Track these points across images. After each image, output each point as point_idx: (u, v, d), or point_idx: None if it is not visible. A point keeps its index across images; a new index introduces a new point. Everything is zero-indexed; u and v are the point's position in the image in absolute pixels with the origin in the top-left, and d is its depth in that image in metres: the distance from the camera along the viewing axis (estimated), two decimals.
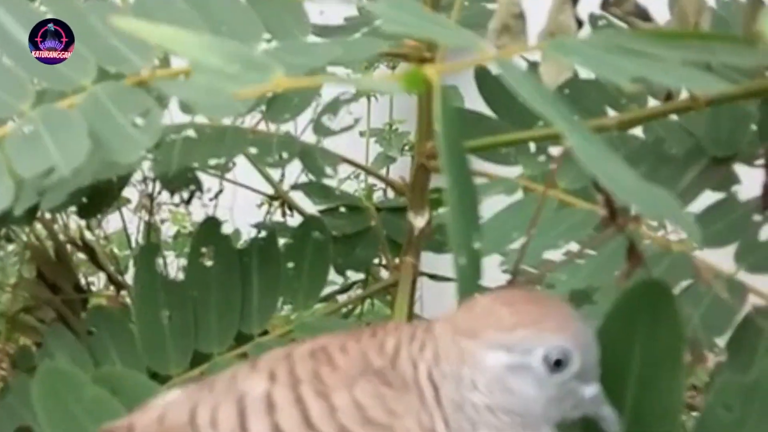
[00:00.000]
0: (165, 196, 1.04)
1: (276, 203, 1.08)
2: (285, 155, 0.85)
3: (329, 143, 0.94)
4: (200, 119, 0.88)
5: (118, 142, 0.53)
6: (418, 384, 0.46)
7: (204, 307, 0.84)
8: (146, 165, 0.95)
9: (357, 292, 1.08)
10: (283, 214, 1.08)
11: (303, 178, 1.03)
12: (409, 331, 0.48)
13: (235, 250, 0.87)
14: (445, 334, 0.47)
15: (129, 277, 1.06)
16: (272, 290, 0.85)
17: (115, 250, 1.19)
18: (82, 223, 1.13)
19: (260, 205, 1.16)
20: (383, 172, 1.35)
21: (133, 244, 1.12)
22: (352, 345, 0.48)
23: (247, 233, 1.01)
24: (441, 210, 0.82)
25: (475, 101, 0.89)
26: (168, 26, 0.47)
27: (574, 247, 0.73)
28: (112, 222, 1.21)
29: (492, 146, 0.82)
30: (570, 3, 0.61)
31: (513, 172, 0.84)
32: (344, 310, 1.02)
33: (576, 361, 0.46)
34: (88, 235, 1.15)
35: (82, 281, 1.03)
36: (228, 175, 1.08)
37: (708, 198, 0.78)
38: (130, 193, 1.14)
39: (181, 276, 0.89)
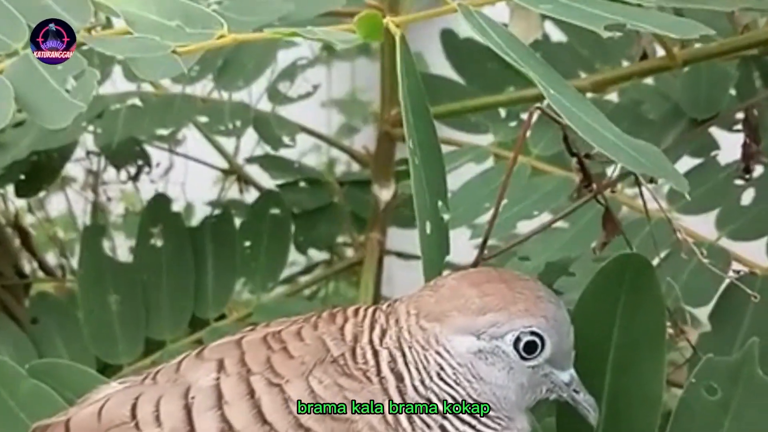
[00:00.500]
0: (112, 173, 0.99)
1: (231, 178, 1.04)
2: (238, 124, 0.82)
3: (288, 115, 0.91)
4: (147, 87, 0.84)
5: (49, 106, 0.50)
6: (380, 373, 0.43)
7: (155, 291, 0.80)
8: (90, 140, 0.91)
9: (321, 272, 1.04)
10: (240, 190, 1.03)
11: (259, 151, 0.99)
12: (370, 315, 0.45)
13: (187, 229, 0.83)
14: (409, 317, 0.44)
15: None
16: (228, 271, 0.81)
17: (60, 234, 1.13)
18: (24, 204, 1.08)
19: (216, 183, 1.11)
20: (346, 144, 1.30)
21: (80, 227, 1.06)
22: (308, 331, 0.45)
23: (203, 212, 0.97)
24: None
25: (441, 71, 0.86)
26: None
27: (547, 217, 0.70)
28: (56, 203, 1.16)
29: (460, 112, 0.80)
30: None
31: (484, 140, 0.82)
32: (308, 291, 0.99)
33: (549, 344, 0.43)
34: (30, 217, 1.10)
35: (27, 267, 0.97)
36: (180, 149, 1.04)
37: (687, 165, 0.75)
38: (76, 171, 1.09)
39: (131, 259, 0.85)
